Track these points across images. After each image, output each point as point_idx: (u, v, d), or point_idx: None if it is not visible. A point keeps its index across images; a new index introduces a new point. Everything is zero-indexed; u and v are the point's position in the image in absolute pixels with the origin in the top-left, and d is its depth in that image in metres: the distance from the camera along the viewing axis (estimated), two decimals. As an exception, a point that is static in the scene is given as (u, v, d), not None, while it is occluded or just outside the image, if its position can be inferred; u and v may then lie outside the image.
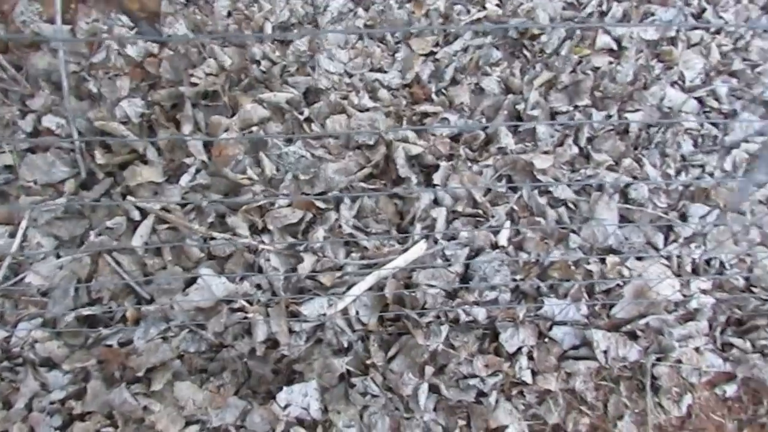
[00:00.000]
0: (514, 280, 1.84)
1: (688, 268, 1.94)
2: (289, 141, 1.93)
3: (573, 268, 1.87)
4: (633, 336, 1.82)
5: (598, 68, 2.25)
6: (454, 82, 2.21)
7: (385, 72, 2.19)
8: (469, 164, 2.02)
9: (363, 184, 1.94)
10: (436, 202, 1.95)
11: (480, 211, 1.95)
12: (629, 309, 1.85)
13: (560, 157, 2.07)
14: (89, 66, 2.03)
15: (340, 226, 1.86)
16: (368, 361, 1.73)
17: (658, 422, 1.74)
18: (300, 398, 1.67)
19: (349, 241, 1.85)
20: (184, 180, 1.86)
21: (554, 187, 2.00)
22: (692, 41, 2.38)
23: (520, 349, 1.77)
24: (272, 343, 1.75)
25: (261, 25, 2.17)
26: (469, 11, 2.33)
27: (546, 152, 2.06)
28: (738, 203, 2.03)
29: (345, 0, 2.27)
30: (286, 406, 1.66)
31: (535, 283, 1.84)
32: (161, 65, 2.03)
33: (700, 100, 2.26)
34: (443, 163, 1.99)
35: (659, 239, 1.97)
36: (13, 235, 1.82)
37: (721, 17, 2.45)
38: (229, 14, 2.17)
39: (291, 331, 1.74)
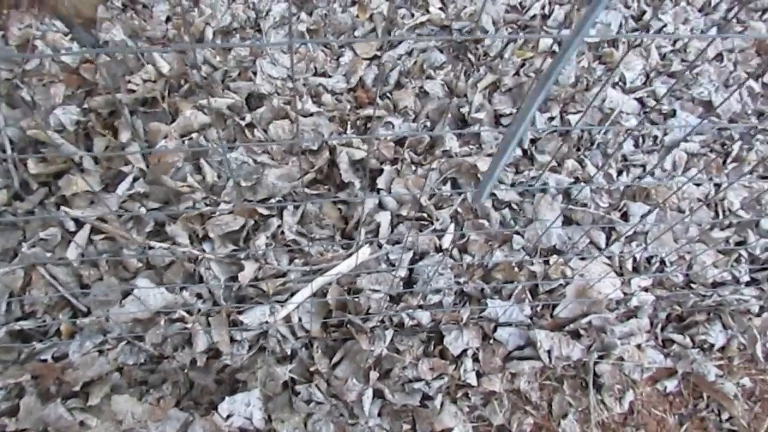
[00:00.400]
0: (458, 282, 1.85)
1: (630, 266, 1.97)
2: (231, 148, 1.90)
3: (516, 269, 1.88)
4: (576, 335, 1.84)
5: (540, 70, 2.27)
6: (399, 85, 2.21)
7: (329, 76, 2.18)
8: (414, 168, 2.02)
9: (306, 190, 1.92)
10: (381, 207, 1.95)
11: (425, 215, 1.95)
12: (572, 308, 1.87)
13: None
14: (22, 73, 1.97)
15: (283, 233, 1.85)
16: (312, 368, 1.71)
17: (600, 419, 1.76)
18: (242, 408, 1.65)
19: (293, 247, 1.83)
20: (122, 189, 1.82)
21: (498, 189, 2.01)
22: (633, 43, 2.43)
23: (465, 351, 1.78)
24: (214, 352, 1.72)
25: (202, 30, 2.14)
26: (413, 15, 2.34)
27: (490, 155, 2.07)
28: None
29: (287, 4, 2.25)
30: (228, 417, 1.63)
31: (479, 286, 1.85)
32: (98, 71, 1.98)
33: (640, 100, 2.30)
34: (387, 167, 1.99)
35: (601, 239, 2.00)
36: (-59, 249, 1.76)
37: (660, 19, 2.50)
38: (168, 19, 2.14)
39: (233, 340, 1.72)
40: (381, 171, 1.98)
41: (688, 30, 2.48)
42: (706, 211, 2.12)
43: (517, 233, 1.96)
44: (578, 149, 2.16)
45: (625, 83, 2.33)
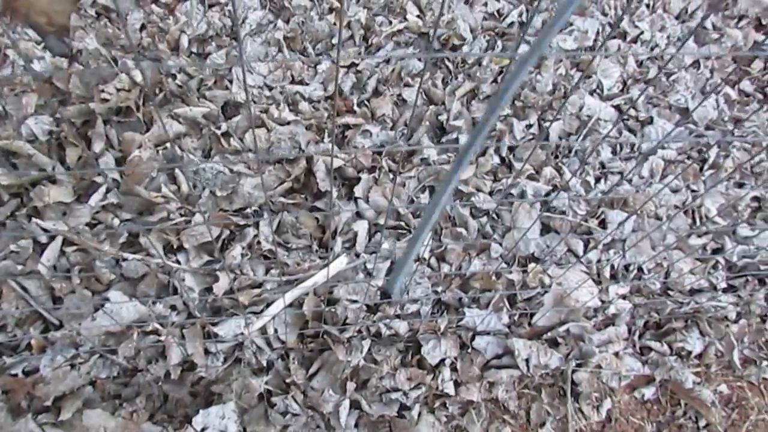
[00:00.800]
0: (436, 292, 1.84)
1: (607, 274, 1.97)
2: (207, 156, 1.88)
3: (494, 278, 1.88)
4: (554, 343, 1.84)
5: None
6: (377, 93, 2.21)
7: (307, 84, 2.17)
8: (392, 176, 2.01)
9: (283, 199, 1.91)
10: (359, 216, 1.94)
11: (402, 223, 1.94)
12: (550, 316, 1.87)
13: (482, 167, 2.08)
14: (-7, 82, 1.95)
15: (259, 243, 1.83)
16: (288, 380, 1.70)
17: (578, 428, 1.75)
18: (217, 420, 1.63)
19: (269, 257, 1.82)
20: (94, 200, 1.80)
21: (476, 197, 2.01)
22: (610, 50, 2.44)
23: (442, 360, 1.77)
24: (189, 365, 1.70)
25: (177, 38, 2.12)
26: (390, 22, 2.33)
27: (468, 162, 2.06)
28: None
29: (264, 12, 2.24)
30: (202, 430, 1.61)
31: (456, 295, 1.84)
32: (71, 81, 1.96)
33: (618, 108, 2.31)
34: (365, 176, 1.98)
35: (579, 246, 2.00)
36: None
37: (637, 27, 2.52)
38: (143, 27, 2.12)
39: (207, 352, 1.69)
40: (358, 179, 1.97)
41: (664, 37, 2.50)
42: (683, 219, 2.12)
43: (495, 241, 1.96)
44: (556, 156, 2.16)
45: (602, 90, 2.33)
